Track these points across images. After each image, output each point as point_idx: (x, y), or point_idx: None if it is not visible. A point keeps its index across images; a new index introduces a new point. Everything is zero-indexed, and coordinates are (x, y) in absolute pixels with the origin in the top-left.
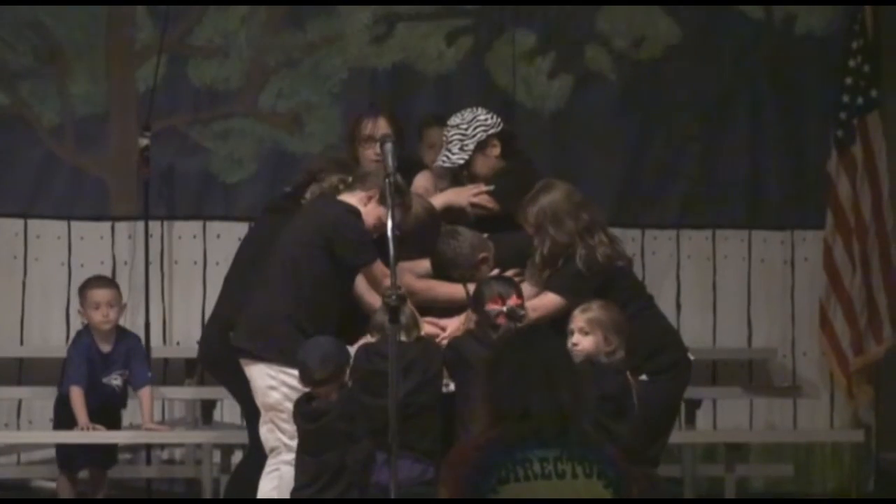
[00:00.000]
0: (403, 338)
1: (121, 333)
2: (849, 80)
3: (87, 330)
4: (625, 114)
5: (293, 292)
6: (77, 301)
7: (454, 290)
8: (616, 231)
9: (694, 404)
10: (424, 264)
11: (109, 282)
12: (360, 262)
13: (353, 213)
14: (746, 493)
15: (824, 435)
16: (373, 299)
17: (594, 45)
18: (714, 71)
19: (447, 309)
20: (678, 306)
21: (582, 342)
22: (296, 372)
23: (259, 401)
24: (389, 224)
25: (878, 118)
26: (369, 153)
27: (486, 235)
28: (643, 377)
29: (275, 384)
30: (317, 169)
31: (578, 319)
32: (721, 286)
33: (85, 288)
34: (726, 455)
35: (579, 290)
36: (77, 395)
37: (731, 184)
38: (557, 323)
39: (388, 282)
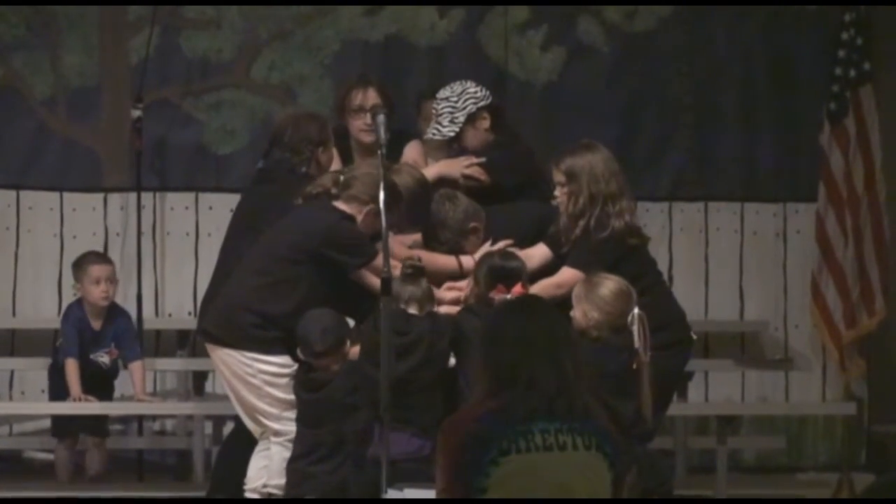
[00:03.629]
0: (414, 311)
1: (112, 310)
2: (841, 53)
3: (79, 304)
4: (617, 86)
5: (270, 290)
6: (69, 272)
7: (446, 262)
8: None
9: (686, 377)
10: (413, 236)
11: (107, 257)
12: (360, 262)
13: (348, 218)
14: (738, 466)
15: (816, 407)
16: (375, 282)
17: (587, 18)
18: (707, 43)
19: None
20: (670, 278)
21: (573, 316)
22: (270, 357)
23: (234, 388)
24: (382, 196)
25: (870, 91)
26: (359, 123)
27: None
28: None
29: (251, 371)
30: (280, 129)
31: None
32: (713, 258)
33: (84, 263)
34: (718, 427)
35: (596, 263)
36: (71, 367)
37: (723, 156)
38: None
39: (396, 272)
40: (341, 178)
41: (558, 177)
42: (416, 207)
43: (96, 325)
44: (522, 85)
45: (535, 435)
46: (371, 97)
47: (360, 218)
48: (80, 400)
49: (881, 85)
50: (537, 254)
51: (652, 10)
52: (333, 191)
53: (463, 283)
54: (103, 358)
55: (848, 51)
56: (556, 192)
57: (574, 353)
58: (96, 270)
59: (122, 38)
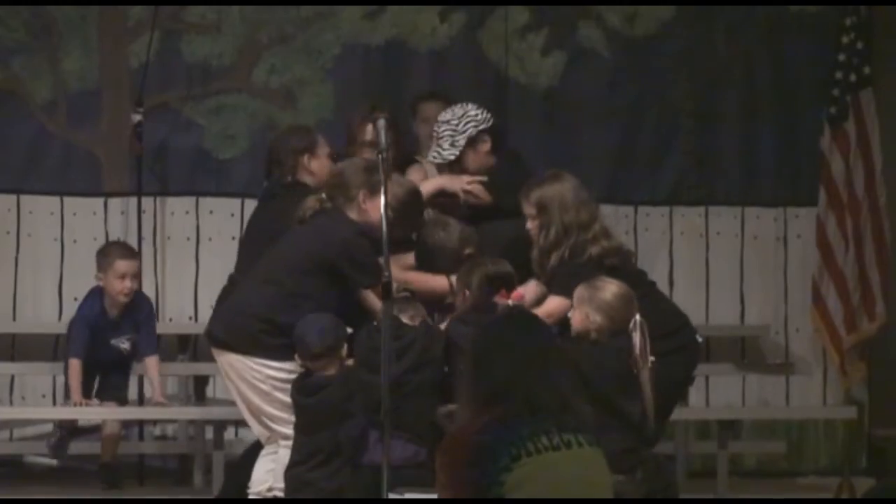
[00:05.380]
0: (406, 320)
1: (135, 296)
2: (842, 57)
3: (98, 293)
4: (618, 91)
5: (281, 299)
6: (70, 277)
7: (437, 283)
8: (609, 208)
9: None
10: (411, 258)
11: (133, 251)
12: (368, 281)
13: (363, 234)
14: (739, 470)
15: (817, 412)
16: (376, 305)
17: (587, 22)
18: (707, 47)
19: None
20: (671, 283)
21: (572, 318)
22: (278, 363)
23: (240, 392)
24: (383, 201)
25: (871, 95)
26: (365, 156)
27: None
28: (651, 358)
29: (260, 377)
30: (270, 148)
31: None
32: (714, 263)
33: (110, 255)
34: (719, 432)
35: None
36: (75, 368)
37: (723, 160)
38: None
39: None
40: (323, 195)
41: (528, 209)
42: (409, 216)
43: (114, 312)
44: (523, 89)
45: (540, 437)
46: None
47: (365, 214)
48: (79, 405)
49: (881, 89)
50: (530, 292)
51: (652, 15)
52: (328, 205)
53: None
54: (124, 344)
55: (848, 55)
56: (528, 225)
57: (566, 365)
58: (123, 266)
59: (122, 42)
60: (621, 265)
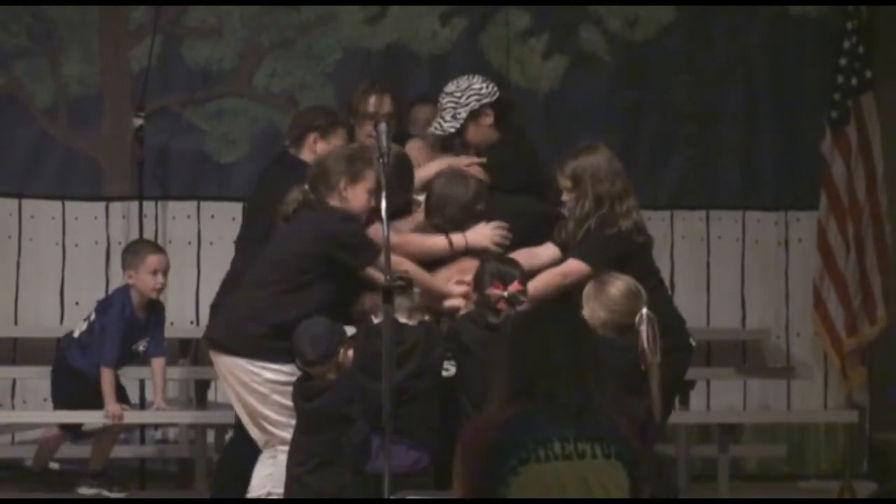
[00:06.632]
0: (405, 320)
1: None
2: (843, 61)
3: (125, 294)
4: (618, 95)
5: (278, 299)
6: (72, 281)
7: (435, 242)
8: None
9: (688, 385)
10: (406, 223)
11: (162, 248)
12: (364, 261)
13: (348, 218)
14: (740, 474)
15: (818, 415)
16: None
17: (588, 26)
18: (708, 52)
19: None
20: (672, 286)
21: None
22: (277, 366)
23: (238, 395)
24: (384, 204)
25: (872, 99)
26: (367, 129)
27: None
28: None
29: (259, 380)
30: (308, 121)
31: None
32: (715, 267)
33: (141, 251)
34: (720, 435)
35: (603, 258)
36: (109, 378)
37: (725, 164)
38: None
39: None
40: (306, 186)
41: (564, 182)
42: (399, 182)
43: (141, 315)
44: (524, 93)
45: (553, 443)
46: (386, 106)
47: (348, 202)
48: (118, 416)
49: (882, 93)
50: (544, 253)
51: (653, 19)
52: (312, 196)
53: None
54: (142, 348)
55: (849, 59)
56: (564, 198)
57: (598, 362)
58: (155, 261)
59: (123, 47)
60: (647, 247)
